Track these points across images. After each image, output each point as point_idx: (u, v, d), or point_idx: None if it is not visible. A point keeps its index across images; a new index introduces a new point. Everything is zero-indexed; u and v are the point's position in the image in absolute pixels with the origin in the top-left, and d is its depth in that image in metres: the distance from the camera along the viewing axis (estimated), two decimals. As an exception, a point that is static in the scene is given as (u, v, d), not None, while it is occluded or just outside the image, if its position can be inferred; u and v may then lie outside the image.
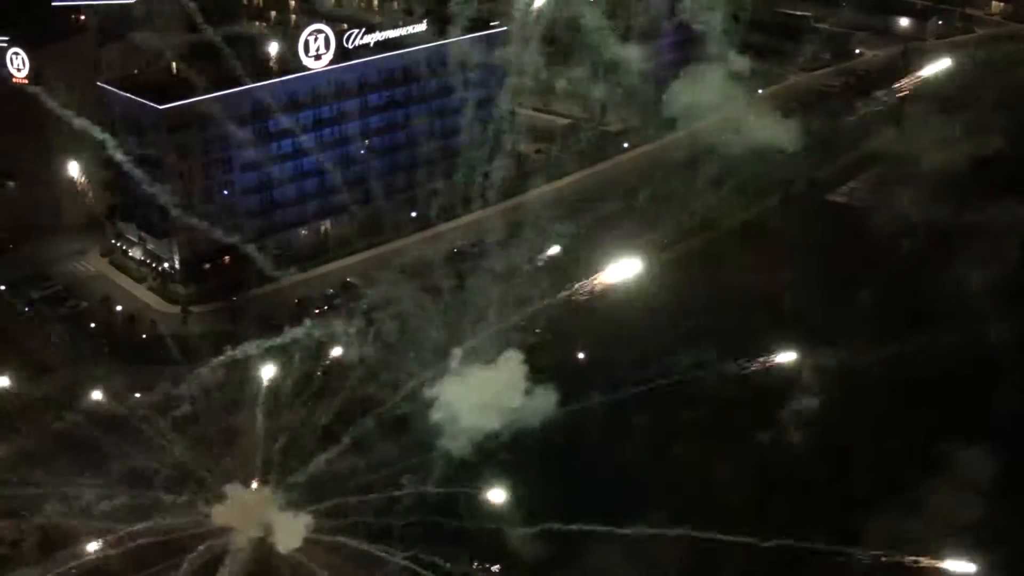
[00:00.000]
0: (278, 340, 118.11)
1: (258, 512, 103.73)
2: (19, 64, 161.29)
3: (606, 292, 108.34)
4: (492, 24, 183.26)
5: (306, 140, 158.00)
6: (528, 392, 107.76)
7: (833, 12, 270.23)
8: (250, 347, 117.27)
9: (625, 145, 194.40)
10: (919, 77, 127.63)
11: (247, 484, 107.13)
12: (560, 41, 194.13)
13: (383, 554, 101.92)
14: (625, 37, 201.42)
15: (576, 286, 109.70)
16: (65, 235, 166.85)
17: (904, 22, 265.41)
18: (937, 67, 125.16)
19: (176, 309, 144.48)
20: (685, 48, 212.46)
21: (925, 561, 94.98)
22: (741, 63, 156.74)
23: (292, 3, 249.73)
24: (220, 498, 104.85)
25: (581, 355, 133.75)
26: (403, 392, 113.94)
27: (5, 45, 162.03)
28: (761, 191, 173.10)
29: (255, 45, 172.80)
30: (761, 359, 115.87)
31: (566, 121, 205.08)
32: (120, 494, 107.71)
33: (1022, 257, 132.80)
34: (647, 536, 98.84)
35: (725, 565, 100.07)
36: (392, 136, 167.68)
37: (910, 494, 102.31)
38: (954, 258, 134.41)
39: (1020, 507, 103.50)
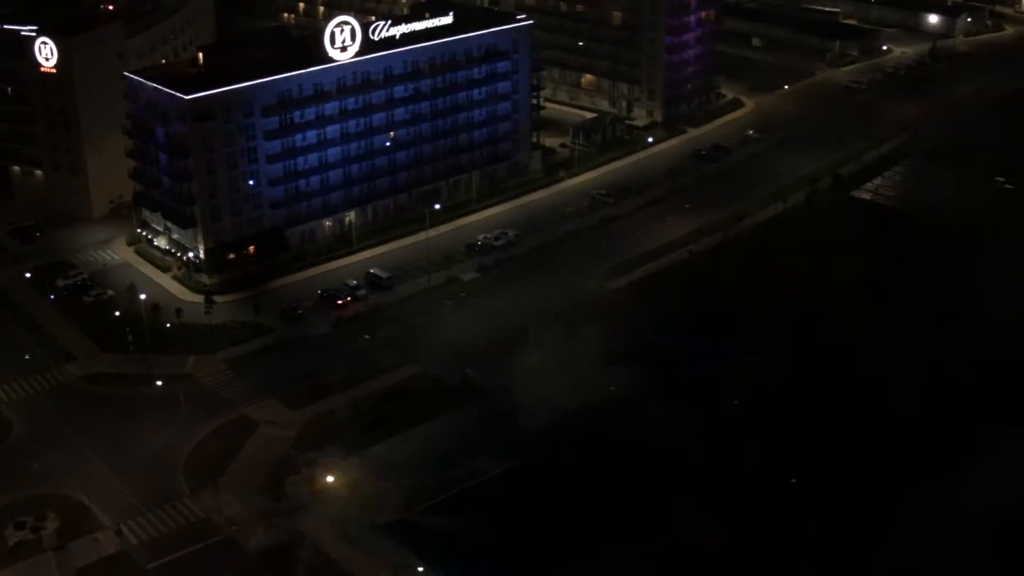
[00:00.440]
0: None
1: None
2: (47, 53, 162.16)
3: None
4: (519, 17, 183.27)
5: (331, 131, 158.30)
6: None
7: (862, 8, 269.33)
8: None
9: (650, 140, 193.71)
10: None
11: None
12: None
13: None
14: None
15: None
16: (91, 224, 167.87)
17: (933, 19, 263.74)
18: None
19: (200, 299, 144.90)
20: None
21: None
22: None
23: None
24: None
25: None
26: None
27: (34, 35, 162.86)
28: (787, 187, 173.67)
29: (282, 36, 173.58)
30: None
31: (592, 115, 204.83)
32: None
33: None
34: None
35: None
36: (417, 128, 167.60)
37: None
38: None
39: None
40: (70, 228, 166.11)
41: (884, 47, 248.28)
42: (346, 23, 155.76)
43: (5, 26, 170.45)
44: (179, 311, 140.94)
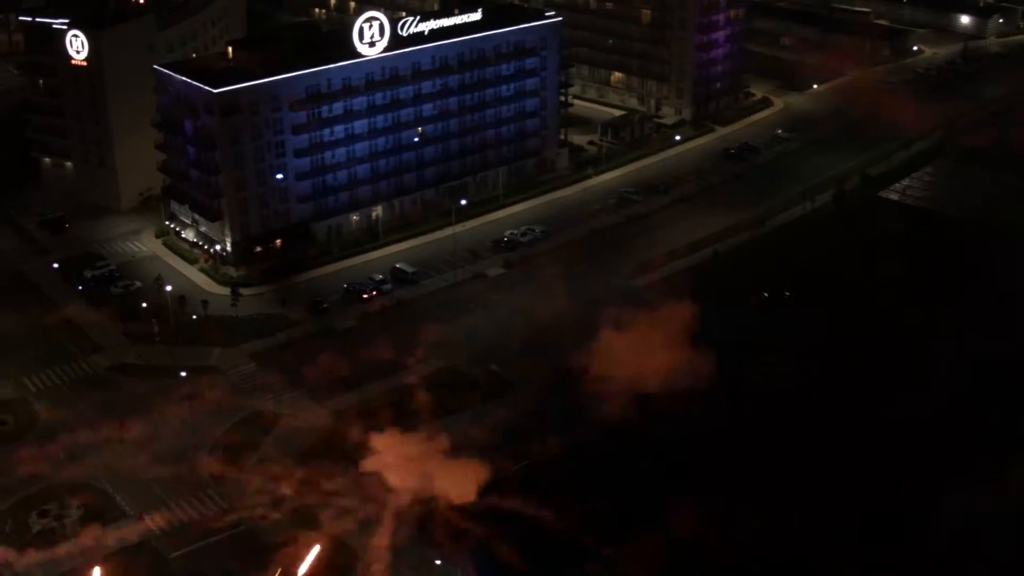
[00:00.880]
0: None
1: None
2: (78, 46, 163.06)
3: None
4: (548, 14, 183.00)
5: (359, 126, 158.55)
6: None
7: (893, 9, 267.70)
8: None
9: (677, 138, 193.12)
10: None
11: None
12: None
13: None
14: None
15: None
16: (120, 216, 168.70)
17: (965, 19, 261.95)
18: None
19: (226, 291, 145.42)
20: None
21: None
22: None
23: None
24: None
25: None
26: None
27: (65, 28, 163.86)
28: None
29: (312, 32, 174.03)
30: None
31: (621, 113, 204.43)
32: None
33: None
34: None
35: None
36: (445, 124, 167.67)
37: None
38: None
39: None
40: (99, 220, 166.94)
41: (915, 47, 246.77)
42: (375, 19, 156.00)
43: (37, 19, 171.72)
44: (205, 303, 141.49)
